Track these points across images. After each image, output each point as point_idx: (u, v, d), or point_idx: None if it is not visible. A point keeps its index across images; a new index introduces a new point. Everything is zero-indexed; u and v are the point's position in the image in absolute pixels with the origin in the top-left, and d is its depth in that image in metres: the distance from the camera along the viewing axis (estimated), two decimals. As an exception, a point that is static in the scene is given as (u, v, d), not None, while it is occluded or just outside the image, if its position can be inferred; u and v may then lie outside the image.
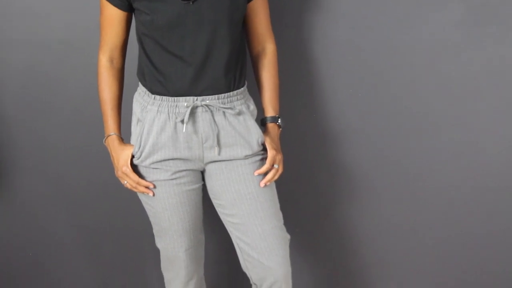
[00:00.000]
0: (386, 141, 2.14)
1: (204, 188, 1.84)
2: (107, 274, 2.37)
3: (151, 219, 1.86)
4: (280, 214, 1.83)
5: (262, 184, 1.75)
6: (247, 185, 1.76)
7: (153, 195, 1.77)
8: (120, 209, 2.26)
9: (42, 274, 2.38)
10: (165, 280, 1.98)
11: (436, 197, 2.19)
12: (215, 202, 1.83)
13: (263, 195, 1.77)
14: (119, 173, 1.77)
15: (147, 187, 1.76)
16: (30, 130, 2.18)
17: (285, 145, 1.88)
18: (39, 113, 2.16)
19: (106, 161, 2.06)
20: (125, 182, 1.76)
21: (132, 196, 2.09)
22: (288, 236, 1.85)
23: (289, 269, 1.84)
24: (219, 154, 1.73)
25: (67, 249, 2.34)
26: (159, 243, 1.90)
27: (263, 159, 1.78)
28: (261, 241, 1.78)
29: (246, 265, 1.84)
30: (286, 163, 1.83)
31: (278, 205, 1.83)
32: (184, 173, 1.76)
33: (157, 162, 1.73)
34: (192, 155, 1.73)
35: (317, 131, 2.14)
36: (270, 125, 1.81)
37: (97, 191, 2.25)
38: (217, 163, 1.76)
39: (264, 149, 1.78)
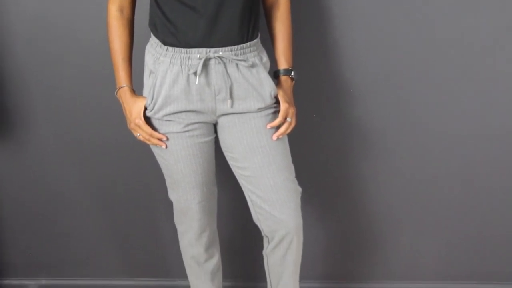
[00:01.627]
0: (399, 96, 2.12)
1: (216, 141, 1.84)
2: (120, 228, 2.39)
3: (164, 171, 1.87)
4: (292, 167, 1.83)
5: (274, 137, 1.75)
6: (260, 138, 1.75)
7: (166, 147, 1.77)
8: (132, 162, 2.27)
9: (54, 230, 2.41)
10: (178, 233, 1.99)
11: (449, 154, 2.19)
12: (227, 155, 1.83)
13: (276, 148, 1.76)
14: (131, 126, 1.76)
15: (160, 139, 1.76)
16: (41, 83, 2.18)
17: (297, 99, 1.87)
18: (49, 66, 2.15)
19: (118, 113, 2.07)
20: (138, 134, 1.76)
21: (144, 149, 2.10)
22: (300, 189, 1.85)
23: (301, 221, 1.85)
24: (231, 106, 1.72)
25: (79, 204, 2.36)
26: (172, 196, 1.91)
27: (276, 112, 1.76)
28: (273, 193, 1.78)
29: (258, 217, 1.85)
30: (298, 117, 1.82)
31: (290, 158, 1.83)
32: (196, 125, 1.75)
33: (170, 114, 1.73)
34: (204, 107, 1.72)
35: (329, 85, 2.12)
36: (283, 78, 1.79)
37: (109, 144, 2.25)
38: (229, 115, 1.75)
39: (277, 102, 1.76)
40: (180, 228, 1.97)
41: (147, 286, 2.45)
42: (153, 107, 1.73)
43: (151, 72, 1.74)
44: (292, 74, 1.80)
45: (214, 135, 1.82)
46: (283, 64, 1.80)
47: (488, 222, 2.28)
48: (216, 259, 2.04)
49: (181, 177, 1.82)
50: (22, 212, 2.39)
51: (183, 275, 2.37)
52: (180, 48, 1.68)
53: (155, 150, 1.83)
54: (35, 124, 2.24)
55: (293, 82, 1.81)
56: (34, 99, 2.20)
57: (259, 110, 1.74)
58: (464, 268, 2.34)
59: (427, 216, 2.29)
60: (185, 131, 1.75)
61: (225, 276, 2.19)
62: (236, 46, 1.68)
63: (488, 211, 2.26)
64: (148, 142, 1.77)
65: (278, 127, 1.76)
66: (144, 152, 2.21)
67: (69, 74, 2.16)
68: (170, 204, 2.28)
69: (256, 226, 1.99)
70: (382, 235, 2.33)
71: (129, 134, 2.17)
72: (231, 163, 1.84)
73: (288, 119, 1.75)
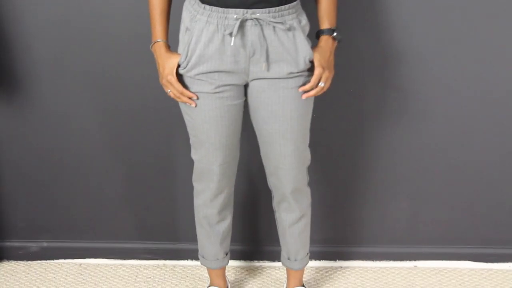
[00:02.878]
0: (392, 66, 2.15)
1: (245, 105, 1.85)
2: (126, 191, 2.37)
3: (189, 130, 1.87)
4: (307, 136, 1.89)
5: (303, 97, 1.76)
6: (284, 108, 1.78)
7: (195, 106, 1.77)
8: (142, 122, 2.25)
9: (56, 192, 2.38)
10: (195, 191, 2.01)
11: (449, 118, 2.23)
12: (251, 114, 1.86)
13: (296, 119, 1.80)
14: (163, 81, 1.76)
15: (190, 98, 1.76)
16: (43, 44, 2.14)
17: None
18: (52, 26, 2.11)
19: (120, 75, 2.06)
20: (169, 91, 1.76)
21: (148, 110, 2.08)
22: (309, 157, 1.94)
23: (303, 188, 1.96)
24: (267, 69, 1.72)
25: (83, 166, 2.33)
26: (194, 155, 1.92)
27: (309, 77, 1.77)
28: (282, 159, 1.87)
29: (268, 177, 1.96)
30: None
31: (308, 127, 1.88)
32: (227, 87, 1.76)
33: (202, 73, 1.72)
34: (238, 68, 1.73)
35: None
36: (324, 38, 1.77)
37: (117, 105, 2.23)
38: (261, 80, 1.76)
39: (313, 66, 1.75)
40: (197, 187, 1.98)
41: (153, 250, 2.45)
42: (186, 65, 1.72)
43: (187, 29, 1.73)
44: (335, 34, 1.78)
45: (244, 99, 1.83)
46: (325, 24, 1.79)
47: (488, 187, 2.33)
48: (227, 222, 2.07)
49: (206, 138, 1.83)
50: (24, 174, 2.35)
51: (191, 239, 2.39)
52: (217, 8, 1.67)
53: (183, 108, 1.83)
54: (37, 86, 2.20)
55: (336, 43, 1.80)
56: (36, 62, 2.16)
57: (291, 75, 1.74)
58: (463, 233, 2.41)
59: (426, 180, 2.33)
60: (215, 92, 1.75)
61: (234, 240, 2.21)
62: (274, 8, 1.68)
63: (488, 175, 2.32)
64: (177, 100, 1.77)
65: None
66: (150, 113, 2.21)
67: (73, 35, 2.12)
68: (178, 165, 2.29)
69: (268, 190, 2.03)
70: (382, 200, 2.37)
71: (136, 94, 2.18)
72: (253, 122, 1.88)
73: (321, 84, 1.76)
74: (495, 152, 2.28)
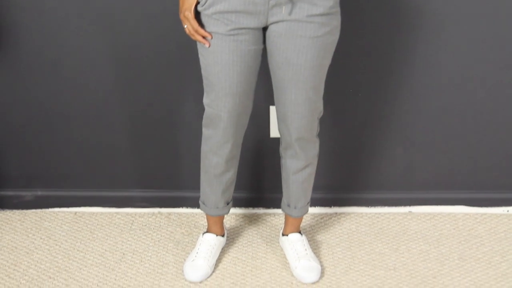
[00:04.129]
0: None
1: (264, 56, 1.84)
2: (124, 139, 2.35)
3: (202, 71, 1.86)
4: (321, 88, 1.88)
5: None
6: (299, 56, 1.76)
7: (209, 46, 1.76)
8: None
9: (51, 140, 2.36)
10: (203, 137, 1.99)
11: (446, 64, 2.21)
12: (268, 60, 1.85)
13: (310, 69, 1.79)
14: (181, 16, 1.76)
15: (204, 38, 1.76)
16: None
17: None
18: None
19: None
20: (185, 26, 1.76)
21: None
22: (321, 109, 1.93)
23: (311, 138, 1.95)
24: (289, 13, 1.70)
25: (78, 113, 2.30)
26: (205, 99, 1.90)
27: (331, 20, 1.74)
28: (292, 107, 1.87)
29: (278, 122, 1.96)
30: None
31: (323, 78, 1.87)
32: (244, 31, 1.74)
33: (219, 12, 1.71)
34: (256, 9, 1.71)
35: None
36: None
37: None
38: (278, 25, 1.74)
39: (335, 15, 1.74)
40: (205, 132, 1.97)
41: (149, 198, 2.45)
42: (205, 2, 1.72)
43: None
44: None
45: (262, 46, 1.81)
46: None
47: (483, 132, 2.34)
48: (231, 173, 2.06)
49: (216, 81, 1.81)
50: (18, 122, 2.32)
51: (186, 187, 2.39)
52: None
53: (198, 47, 1.82)
54: (26, 28, 2.15)
55: None
56: (23, 3, 2.11)
57: (310, 18, 1.71)
58: (458, 178, 2.42)
59: (421, 126, 2.33)
60: (230, 35, 1.74)
61: (238, 187, 2.20)
62: None
63: (483, 120, 2.32)
64: (192, 37, 1.77)
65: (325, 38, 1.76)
66: (154, 54, 2.17)
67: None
68: (179, 112, 2.27)
69: (272, 140, 2.02)
70: (377, 146, 2.37)
71: (139, 32, 2.15)
72: (269, 67, 1.87)
73: None
74: (491, 97, 2.28)
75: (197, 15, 1.75)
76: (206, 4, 1.72)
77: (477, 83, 2.25)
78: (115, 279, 2.10)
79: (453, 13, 2.12)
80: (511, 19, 2.13)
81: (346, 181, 2.45)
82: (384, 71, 2.23)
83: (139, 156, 2.38)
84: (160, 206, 2.46)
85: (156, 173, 2.42)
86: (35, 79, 2.24)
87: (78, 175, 2.43)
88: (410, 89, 2.26)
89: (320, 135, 2.03)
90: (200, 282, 2.08)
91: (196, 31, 1.74)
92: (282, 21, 1.73)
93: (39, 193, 2.45)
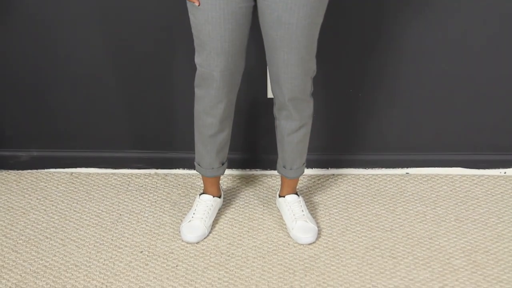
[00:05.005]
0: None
1: (255, 15, 1.81)
2: (120, 99, 2.33)
3: (193, 31, 1.84)
4: (314, 47, 1.86)
5: None
6: (290, 15, 1.74)
7: (199, 4, 1.73)
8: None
9: (47, 101, 2.33)
10: (195, 97, 1.98)
11: (443, 26, 2.19)
12: (259, 19, 1.82)
13: (302, 28, 1.76)
14: None
15: None
16: None
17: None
18: None
19: None
20: None
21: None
22: (314, 68, 1.90)
23: (305, 98, 1.93)
24: None
25: (74, 73, 2.28)
26: (197, 58, 1.88)
27: None
28: (284, 67, 1.84)
29: (270, 83, 1.94)
30: None
31: (315, 38, 1.84)
32: None
33: None
34: None
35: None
36: None
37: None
38: None
39: None
40: (197, 92, 1.95)
41: (145, 159, 2.44)
42: None
43: None
44: None
45: (253, 3, 1.78)
46: None
47: (480, 94, 2.32)
48: (225, 133, 2.05)
49: (208, 40, 1.79)
50: (12, 82, 2.30)
51: (183, 148, 2.38)
52: None
53: (188, 6, 1.79)
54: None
55: None
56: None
57: None
58: (454, 139, 2.41)
59: (417, 88, 2.31)
60: None
61: (235, 149, 2.19)
62: None
63: (480, 82, 2.30)
64: None
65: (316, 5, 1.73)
66: (147, 13, 2.14)
67: None
68: (174, 72, 2.25)
69: (268, 100, 2.00)
70: (373, 107, 2.36)
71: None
72: (260, 26, 1.84)
73: None
74: (488, 59, 2.26)
75: None
76: None
77: (474, 44, 2.22)
78: (112, 240, 2.10)
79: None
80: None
81: (343, 142, 2.44)
82: (381, 32, 2.20)
83: (135, 117, 2.37)
84: (157, 167, 2.46)
85: (153, 135, 2.40)
86: (30, 40, 2.21)
87: (74, 136, 2.41)
88: (407, 50, 2.24)
89: (317, 96, 2.01)
90: (197, 242, 2.08)
91: None
92: None
93: (35, 153, 2.44)
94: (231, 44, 1.80)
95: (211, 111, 1.95)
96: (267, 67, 1.91)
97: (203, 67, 1.86)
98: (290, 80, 1.87)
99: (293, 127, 2.01)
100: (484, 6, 2.15)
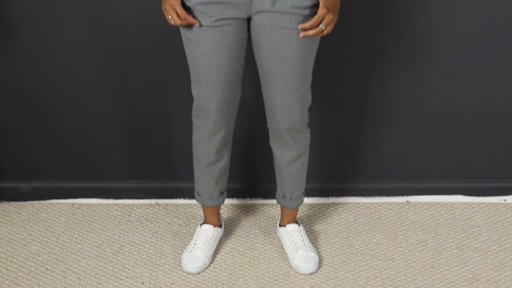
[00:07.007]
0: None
1: (249, 43, 1.82)
2: (121, 131, 2.35)
3: (189, 63, 1.85)
4: (309, 78, 1.87)
5: (301, 34, 1.72)
6: (284, 47, 1.75)
7: (199, 25, 1.72)
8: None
9: (48, 133, 2.35)
10: (193, 127, 2.00)
11: (441, 58, 2.20)
12: (254, 51, 1.84)
13: (296, 60, 1.77)
14: (166, 6, 1.71)
15: (190, 24, 1.73)
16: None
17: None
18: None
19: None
20: (169, 17, 1.72)
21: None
22: (309, 99, 1.92)
23: (302, 128, 1.95)
24: (272, 4, 1.68)
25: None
26: (193, 90, 1.90)
27: (312, 16, 1.71)
28: (280, 98, 1.86)
29: (266, 113, 1.95)
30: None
31: (311, 69, 1.86)
32: (228, 21, 1.72)
33: (202, 3, 1.69)
34: (239, 0, 1.69)
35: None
36: None
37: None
38: (263, 15, 1.72)
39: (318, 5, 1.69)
40: (195, 123, 1.97)
41: (146, 189, 2.44)
42: None
43: None
44: None
45: (247, 35, 1.80)
46: None
47: (480, 122, 2.33)
48: (224, 162, 2.06)
49: (204, 73, 1.81)
50: (14, 114, 2.31)
51: (184, 178, 2.39)
52: None
53: (184, 40, 1.81)
54: (20, 17, 2.13)
55: None
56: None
57: (294, 9, 1.68)
58: (455, 167, 2.42)
59: (418, 116, 2.32)
60: (215, 26, 1.72)
61: (228, 177, 2.19)
62: None
63: (480, 110, 2.31)
64: (178, 24, 1.72)
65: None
66: (147, 46, 2.16)
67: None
68: (174, 103, 2.26)
69: (268, 129, 2.01)
70: (374, 136, 2.36)
71: (132, 25, 2.13)
72: (255, 58, 1.85)
73: (322, 26, 1.70)
74: (487, 87, 2.27)
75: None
76: None
77: (474, 73, 2.24)
78: (113, 271, 2.10)
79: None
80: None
81: (343, 171, 2.44)
82: (380, 62, 2.21)
83: (135, 147, 2.38)
84: (158, 197, 2.46)
85: (153, 165, 2.41)
86: (31, 72, 2.23)
87: (75, 166, 2.42)
88: (407, 79, 2.25)
89: (317, 124, 2.02)
90: (198, 273, 2.08)
91: (185, 19, 1.71)
92: (266, 11, 1.71)
93: (36, 184, 2.44)
94: (227, 76, 1.82)
95: (209, 140, 1.96)
96: (263, 97, 1.93)
97: (200, 98, 1.88)
98: (286, 111, 1.88)
99: (291, 157, 2.01)
100: (487, 36, 2.17)
